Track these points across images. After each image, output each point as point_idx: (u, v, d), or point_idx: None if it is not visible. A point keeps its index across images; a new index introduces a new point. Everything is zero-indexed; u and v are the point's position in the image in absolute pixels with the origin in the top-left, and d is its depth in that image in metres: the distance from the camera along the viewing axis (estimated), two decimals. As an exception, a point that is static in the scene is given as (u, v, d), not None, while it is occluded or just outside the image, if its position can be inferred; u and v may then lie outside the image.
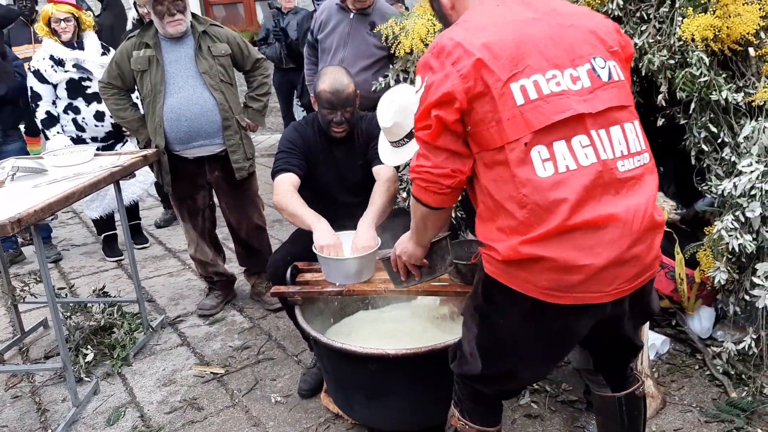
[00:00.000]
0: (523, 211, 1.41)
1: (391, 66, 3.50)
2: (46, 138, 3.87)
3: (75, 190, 2.46)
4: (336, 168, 2.65)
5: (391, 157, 2.31)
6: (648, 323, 2.34)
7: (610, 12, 2.78)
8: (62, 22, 3.78)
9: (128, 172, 2.89)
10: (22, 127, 6.35)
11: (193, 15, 3.07)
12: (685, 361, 2.60)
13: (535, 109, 1.38)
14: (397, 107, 2.15)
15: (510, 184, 1.41)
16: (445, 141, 1.45)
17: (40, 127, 3.87)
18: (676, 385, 2.45)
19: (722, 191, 2.49)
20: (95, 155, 3.03)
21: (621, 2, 2.76)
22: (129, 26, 4.40)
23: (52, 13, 3.77)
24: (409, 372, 2.00)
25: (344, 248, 2.29)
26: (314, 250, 2.26)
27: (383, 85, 3.46)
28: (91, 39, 3.93)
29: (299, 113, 6.42)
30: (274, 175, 2.54)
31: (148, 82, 3.00)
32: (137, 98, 3.40)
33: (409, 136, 2.16)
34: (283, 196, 2.44)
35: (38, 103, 3.82)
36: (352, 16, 3.58)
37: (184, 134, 3.03)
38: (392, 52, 3.34)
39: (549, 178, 1.39)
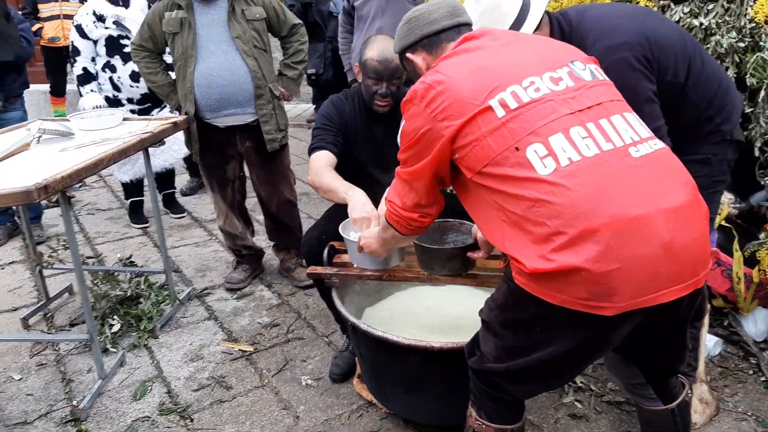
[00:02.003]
0: (539, 219, 1.29)
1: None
2: (80, 95, 3.81)
3: (104, 156, 2.36)
4: (375, 145, 2.51)
5: None
6: (706, 325, 2.21)
7: (676, -12, 2.59)
8: None
9: (158, 138, 2.78)
10: (46, 87, 6.32)
11: None
12: (738, 365, 2.46)
13: (517, 118, 1.35)
14: (484, 8, 1.81)
15: (516, 194, 1.33)
16: (421, 185, 1.53)
17: (76, 83, 3.79)
18: (730, 391, 2.32)
19: (790, 186, 2.34)
20: (124, 120, 2.92)
21: (689, -23, 2.57)
22: None
23: None
24: (452, 366, 1.89)
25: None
26: (340, 232, 2.14)
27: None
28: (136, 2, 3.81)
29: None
30: (309, 153, 2.42)
31: (180, 45, 2.87)
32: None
33: None
34: (316, 173, 2.30)
35: (76, 58, 3.75)
36: (393, -18, 3.41)
37: (214, 101, 2.90)
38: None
39: (552, 175, 1.30)
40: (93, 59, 3.78)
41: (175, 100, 3.02)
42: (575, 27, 1.88)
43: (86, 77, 3.76)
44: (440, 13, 1.62)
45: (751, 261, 2.49)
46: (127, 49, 3.71)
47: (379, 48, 2.31)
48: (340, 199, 2.22)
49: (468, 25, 1.65)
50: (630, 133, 1.40)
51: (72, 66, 3.81)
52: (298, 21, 3.10)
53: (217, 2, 2.87)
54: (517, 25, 1.80)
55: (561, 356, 1.39)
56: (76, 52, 3.75)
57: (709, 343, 2.46)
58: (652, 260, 1.27)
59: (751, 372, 2.41)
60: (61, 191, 2.19)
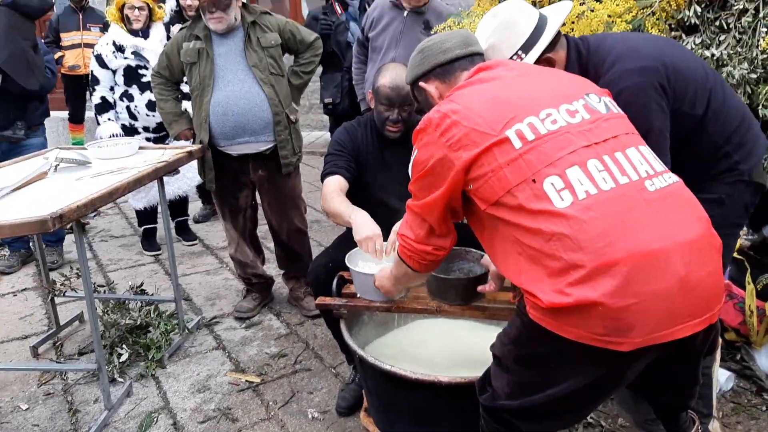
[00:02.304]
0: (555, 253, 1.28)
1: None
2: (98, 123, 3.89)
3: (119, 185, 2.39)
4: (387, 171, 2.52)
5: None
6: (718, 359, 2.17)
7: (686, 19, 2.60)
8: (136, 10, 3.80)
9: (173, 167, 2.82)
10: (65, 114, 6.44)
11: (244, 5, 2.97)
12: (751, 401, 2.41)
13: (534, 149, 1.35)
14: (498, 24, 1.77)
15: (532, 227, 1.31)
16: (434, 217, 1.50)
17: (94, 111, 3.88)
18: (742, 428, 2.26)
19: (805, 219, 2.31)
20: (140, 149, 2.97)
21: (699, 9, 2.58)
22: (166, 18, 4.37)
23: (128, 1, 3.78)
24: (461, 401, 1.86)
25: (376, 263, 2.17)
26: (346, 263, 2.14)
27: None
28: (157, 29, 3.94)
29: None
30: (322, 178, 2.44)
31: (197, 75, 2.92)
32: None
33: None
34: (325, 198, 2.33)
35: (95, 87, 3.85)
36: (405, 14, 3.46)
37: (229, 129, 2.94)
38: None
39: (570, 208, 1.29)
40: (111, 88, 3.88)
41: (175, 129, 3.05)
42: (593, 50, 1.85)
43: (104, 106, 3.85)
44: (453, 42, 1.64)
45: (763, 294, 2.45)
46: (144, 79, 3.80)
47: (392, 75, 2.35)
48: (345, 222, 2.24)
49: (481, 55, 1.67)
50: (645, 166, 1.40)
51: (91, 94, 3.90)
52: (314, 36, 3.11)
53: (234, 32, 2.92)
54: (528, 45, 1.77)
55: (576, 392, 1.36)
56: (96, 81, 3.85)
57: (722, 377, 2.42)
58: (668, 295, 1.25)
59: (764, 408, 2.35)
60: (75, 220, 2.22)
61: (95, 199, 2.25)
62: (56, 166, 2.66)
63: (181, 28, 3.06)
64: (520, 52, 1.77)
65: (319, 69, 3.66)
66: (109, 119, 3.85)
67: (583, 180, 1.32)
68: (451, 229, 1.57)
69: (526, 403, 1.42)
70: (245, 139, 2.97)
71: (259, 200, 3.29)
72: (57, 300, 3.15)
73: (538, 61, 1.78)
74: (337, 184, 2.37)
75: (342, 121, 3.97)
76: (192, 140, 3.10)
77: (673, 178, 1.43)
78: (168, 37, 3.97)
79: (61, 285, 3.03)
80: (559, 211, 1.29)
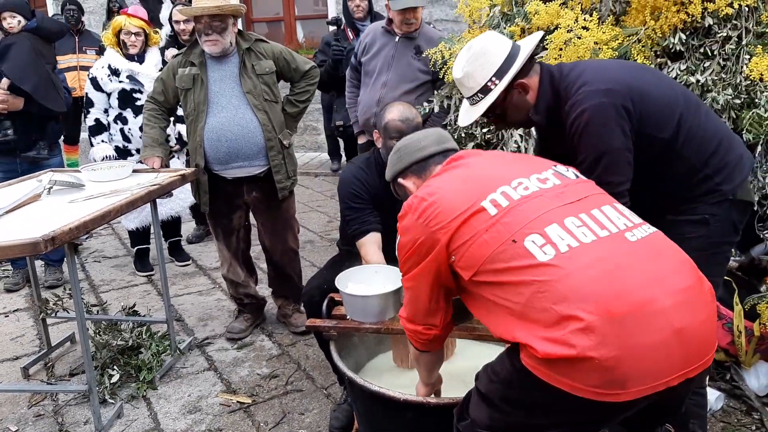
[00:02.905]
0: (544, 305, 1.30)
1: (435, 92, 3.43)
2: (92, 144, 3.94)
3: (111, 208, 2.41)
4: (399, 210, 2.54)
5: (462, 114, 1.98)
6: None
7: (671, 46, 2.66)
8: (133, 35, 3.86)
9: (166, 190, 2.84)
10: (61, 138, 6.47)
11: (240, 32, 3.02)
12: (741, 420, 2.42)
13: (510, 213, 1.41)
14: (472, 54, 1.85)
15: (518, 281, 1.34)
16: (423, 294, 1.57)
17: (87, 133, 3.94)
18: (733, 448, 2.28)
19: (790, 241, 2.34)
20: (133, 171, 2.99)
21: (683, 37, 2.64)
22: (162, 43, 4.43)
23: (125, 25, 3.84)
24: (449, 422, 1.86)
25: (367, 284, 2.20)
26: (336, 285, 2.16)
27: (427, 110, 3.39)
28: (152, 54, 3.99)
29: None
30: (354, 237, 2.46)
31: (192, 101, 2.96)
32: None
33: (484, 90, 1.85)
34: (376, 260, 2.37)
35: (90, 109, 3.91)
36: (397, 39, 3.52)
37: (223, 155, 2.97)
38: (441, 76, 3.26)
39: (554, 259, 1.32)
40: (106, 111, 3.93)
41: (147, 153, 3.04)
42: (565, 75, 1.91)
43: (98, 128, 3.90)
44: (428, 141, 1.76)
45: (751, 314, 2.47)
46: (138, 103, 3.85)
47: (399, 110, 2.41)
48: None
49: (454, 150, 1.77)
50: (623, 220, 1.45)
51: (85, 117, 3.94)
52: (310, 64, 3.14)
53: (229, 58, 2.96)
54: (501, 72, 1.83)
55: None
56: (90, 103, 3.90)
57: (711, 397, 2.43)
58: (663, 347, 1.27)
59: (753, 427, 2.37)
60: (67, 242, 2.23)
61: (88, 222, 2.27)
62: (50, 189, 2.68)
63: (176, 55, 3.10)
64: (494, 78, 1.83)
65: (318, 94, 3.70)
66: (102, 141, 3.89)
67: (563, 235, 1.36)
68: (441, 307, 1.60)
69: None
70: (239, 163, 3.00)
71: (252, 221, 3.32)
72: (49, 321, 3.15)
73: (511, 86, 1.85)
74: (375, 244, 2.41)
75: (353, 144, 4.01)
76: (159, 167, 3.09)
77: (651, 228, 1.47)
78: (163, 62, 4.03)
79: (53, 305, 3.03)
80: (544, 262, 1.32)
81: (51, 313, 3.06)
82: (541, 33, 1.97)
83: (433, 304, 1.59)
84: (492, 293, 1.40)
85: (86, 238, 4.98)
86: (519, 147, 2.97)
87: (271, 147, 3.01)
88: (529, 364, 1.33)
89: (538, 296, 1.31)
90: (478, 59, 1.84)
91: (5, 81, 3.58)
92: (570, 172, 1.59)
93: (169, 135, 3.99)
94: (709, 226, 1.89)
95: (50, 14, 7.43)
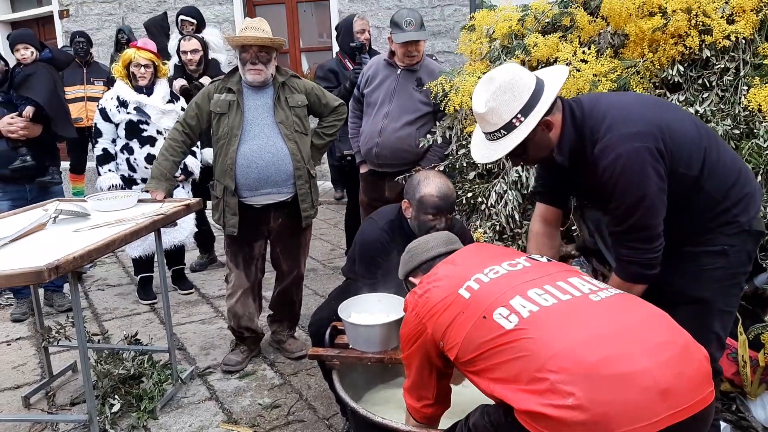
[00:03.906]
0: (518, 370, 1.38)
1: (437, 123, 3.47)
2: (99, 173, 4.00)
3: (116, 237, 2.43)
4: None
5: (482, 152, 1.93)
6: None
7: (670, 78, 2.70)
8: (142, 67, 3.93)
9: (170, 220, 2.86)
10: (66, 164, 6.55)
11: (276, 67, 3.11)
12: (748, 453, 2.39)
13: (479, 294, 1.56)
14: (497, 87, 1.80)
15: (492, 354, 1.45)
16: (414, 369, 1.75)
17: (95, 162, 4.00)
18: (740, 481, 2.24)
19: (792, 271, 2.34)
20: (138, 201, 3.02)
21: (681, 69, 2.69)
22: (170, 73, 4.51)
23: (134, 58, 3.92)
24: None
25: (370, 313, 2.20)
26: (339, 313, 2.17)
27: (430, 142, 3.42)
28: (161, 86, 4.06)
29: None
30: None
31: (226, 125, 3.04)
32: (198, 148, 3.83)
33: (508, 127, 1.81)
34: None
35: (98, 139, 3.97)
36: (399, 72, 3.58)
37: (253, 180, 3.04)
38: (441, 108, 3.30)
39: (518, 325, 1.43)
40: (113, 140, 3.99)
41: (152, 185, 3.07)
42: (587, 113, 1.87)
43: (105, 157, 3.96)
44: (436, 242, 1.92)
45: (755, 343, 2.46)
46: (145, 134, 3.94)
47: (436, 184, 2.38)
48: None
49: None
50: (588, 286, 1.55)
51: (94, 146, 4.01)
52: (339, 101, 3.28)
53: (265, 90, 3.07)
54: (527, 109, 1.79)
55: None
56: (99, 133, 3.96)
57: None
58: (643, 399, 1.29)
59: (762, 461, 2.34)
60: (71, 271, 2.24)
61: (92, 251, 2.29)
62: (55, 218, 2.70)
63: (212, 81, 3.19)
64: (519, 116, 1.79)
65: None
66: (109, 170, 3.95)
67: (525, 304, 1.48)
68: (432, 383, 1.76)
69: None
70: (267, 190, 3.07)
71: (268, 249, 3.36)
72: (51, 349, 3.14)
73: (537, 124, 1.81)
74: None
75: (356, 173, 4.01)
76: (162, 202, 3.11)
77: (618, 291, 1.58)
78: (171, 93, 4.12)
79: (55, 333, 3.03)
80: (510, 329, 1.44)
81: (53, 341, 3.05)
82: (566, 69, 1.93)
83: (424, 379, 1.75)
84: (475, 366, 1.51)
85: (90, 267, 4.99)
86: (520, 176, 2.99)
87: (300, 176, 3.09)
88: (520, 417, 1.39)
89: (513, 360, 1.41)
90: (505, 94, 1.79)
91: (29, 109, 3.75)
92: (543, 258, 1.74)
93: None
94: (728, 257, 1.89)
95: (59, 46, 7.57)
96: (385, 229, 2.51)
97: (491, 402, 1.55)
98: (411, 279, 1.92)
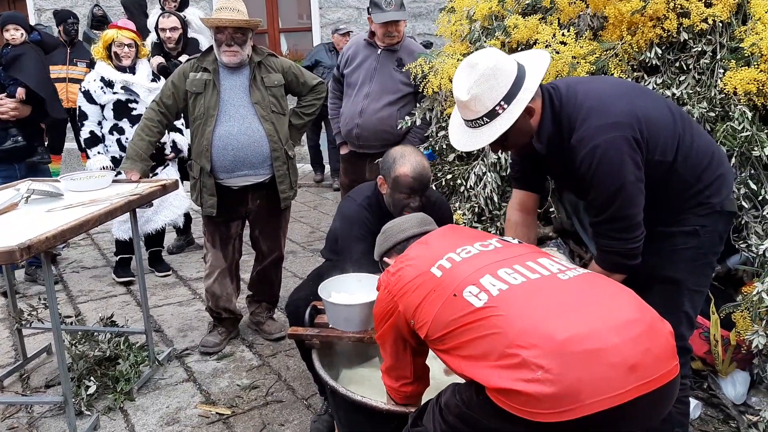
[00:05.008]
0: (487, 348, 1.40)
1: (417, 104, 3.46)
2: (88, 157, 3.94)
3: (90, 217, 2.38)
4: None
5: (464, 140, 1.90)
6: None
7: (647, 61, 2.72)
8: (126, 47, 3.88)
9: (146, 200, 2.82)
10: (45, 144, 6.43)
11: (253, 46, 3.06)
12: (718, 428, 2.45)
13: (451, 273, 1.57)
14: (479, 74, 1.77)
15: (463, 331, 1.46)
16: (388, 346, 1.76)
17: (83, 146, 3.95)
18: (710, 456, 2.30)
19: (763, 251, 2.39)
20: (113, 181, 2.97)
21: (659, 51, 2.70)
22: (148, 50, 4.42)
23: (117, 38, 3.86)
24: None
25: (350, 293, 2.21)
26: (319, 293, 2.17)
27: (408, 124, 3.41)
28: (143, 65, 4.02)
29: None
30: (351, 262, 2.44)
31: (202, 105, 2.99)
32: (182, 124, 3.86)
33: (491, 115, 1.79)
34: None
35: (84, 122, 3.91)
36: (379, 52, 3.55)
37: (229, 162, 3.00)
38: (420, 90, 3.29)
39: (487, 303, 1.44)
40: (99, 123, 3.92)
41: (128, 165, 3.02)
42: (565, 101, 1.87)
43: (93, 140, 3.90)
44: (410, 224, 1.94)
45: (726, 322, 2.51)
46: (135, 113, 3.89)
47: (412, 163, 2.35)
48: None
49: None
50: (557, 266, 1.57)
51: (80, 129, 3.92)
52: (317, 80, 3.24)
53: (241, 70, 3.02)
54: (510, 96, 1.78)
55: None
56: (84, 116, 3.89)
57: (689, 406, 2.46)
58: (609, 372, 1.31)
59: (731, 437, 2.40)
60: (44, 251, 2.20)
61: (65, 231, 2.25)
62: (27, 198, 2.65)
63: (188, 60, 3.14)
64: (502, 103, 1.78)
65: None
66: (98, 152, 3.89)
67: (495, 282, 1.49)
68: (408, 360, 1.76)
69: None
70: (244, 172, 3.04)
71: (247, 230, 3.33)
72: (26, 332, 3.10)
73: (521, 112, 1.79)
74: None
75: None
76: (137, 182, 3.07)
77: (586, 270, 1.61)
78: (153, 72, 4.07)
79: (28, 315, 2.98)
80: (480, 307, 1.45)
81: (26, 324, 3.01)
82: (548, 55, 1.91)
83: (399, 357, 1.76)
84: (445, 344, 1.52)
85: (63, 247, 4.91)
86: (499, 158, 3.00)
87: (277, 157, 3.06)
88: (491, 394, 1.39)
89: (482, 338, 1.41)
90: (488, 81, 1.76)
91: (21, 90, 3.75)
92: (515, 240, 1.76)
93: (164, 143, 3.99)
94: (700, 237, 1.92)
95: (32, 24, 7.36)
96: (363, 205, 2.51)
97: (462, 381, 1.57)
98: (386, 259, 1.93)
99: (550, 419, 1.30)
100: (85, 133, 3.90)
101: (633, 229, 1.82)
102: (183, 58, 4.41)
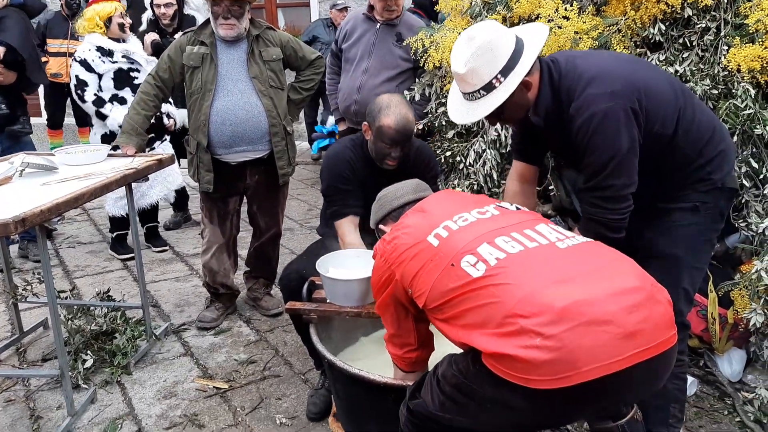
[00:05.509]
0: (485, 317, 1.39)
1: (417, 80, 3.42)
2: (103, 117, 3.82)
3: (85, 191, 2.36)
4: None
5: (461, 112, 1.91)
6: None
7: (651, 37, 2.68)
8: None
9: (141, 175, 2.79)
10: (42, 120, 6.36)
11: (251, 19, 3.00)
12: (714, 405, 2.47)
13: (448, 242, 1.55)
14: (477, 47, 1.76)
15: (460, 301, 1.45)
16: (389, 315, 1.75)
17: (93, 108, 3.82)
18: (705, 431, 2.32)
19: (763, 230, 2.38)
20: (108, 155, 2.94)
21: (663, 27, 2.66)
22: (143, 27, 4.36)
23: (116, 9, 3.84)
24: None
25: (348, 268, 2.19)
26: (317, 268, 2.16)
27: (408, 98, 3.37)
28: (134, 39, 4.00)
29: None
30: (333, 216, 2.47)
31: (199, 79, 2.94)
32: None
33: (487, 88, 1.79)
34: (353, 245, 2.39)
35: (85, 89, 3.82)
36: (378, 26, 3.50)
37: (227, 138, 2.97)
38: (421, 65, 3.25)
39: (485, 273, 1.43)
40: (97, 92, 3.85)
41: (123, 140, 2.98)
42: (564, 74, 1.85)
43: (99, 100, 3.83)
44: (405, 191, 1.92)
45: (724, 301, 2.52)
46: (136, 81, 3.83)
47: (396, 115, 2.33)
48: None
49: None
50: (555, 234, 1.55)
51: (82, 97, 3.82)
52: (316, 54, 3.20)
53: (239, 43, 2.97)
54: (507, 69, 1.77)
55: (505, 429, 1.50)
56: (84, 84, 3.80)
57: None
58: (610, 339, 1.31)
59: (726, 412, 2.41)
60: (39, 224, 2.18)
61: (60, 204, 2.22)
62: (22, 171, 2.62)
63: (184, 33, 3.08)
64: (499, 76, 1.77)
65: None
66: (111, 109, 3.80)
67: (492, 252, 1.48)
68: (411, 327, 1.74)
69: (454, 422, 1.53)
70: (242, 148, 3.01)
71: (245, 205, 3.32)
72: (23, 306, 3.09)
73: (516, 86, 1.78)
74: (353, 225, 2.43)
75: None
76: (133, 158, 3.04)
77: (585, 239, 1.59)
78: (152, 49, 4.07)
79: (22, 290, 2.97)
80: (477, 277, 1.44)
81: (21, 298, 2.99)
82: (546, 28, 1.89)
83: (402, 325, 1.74)
84: (443, 314, 1.51)
85: (58, 221, 4.89)
86: (499, 135, 2.97)
87: (275, 133, 3.02)
88: (487, 362, 1.39)
89: (481, 307, 1.40)
90: (485, 54, 1.76)
91: (1, 49, 3.65)
92: (512, 207, 1.72)
93: (162, 113, 3.95)
94: (700, 213, 1.91)
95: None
96: (348, 145, 2.54)
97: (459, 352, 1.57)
98: (381, 227, 1.93)
99: (547, 386, 1.30)
100: (90, 96, 3.80)
101: (619, 201, 1.80)
102: (178, 35, 4.36)
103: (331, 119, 5.85)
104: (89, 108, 3.85)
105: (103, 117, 3.84)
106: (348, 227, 2.42)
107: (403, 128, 2.33)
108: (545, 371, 1.29)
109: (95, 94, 3.82)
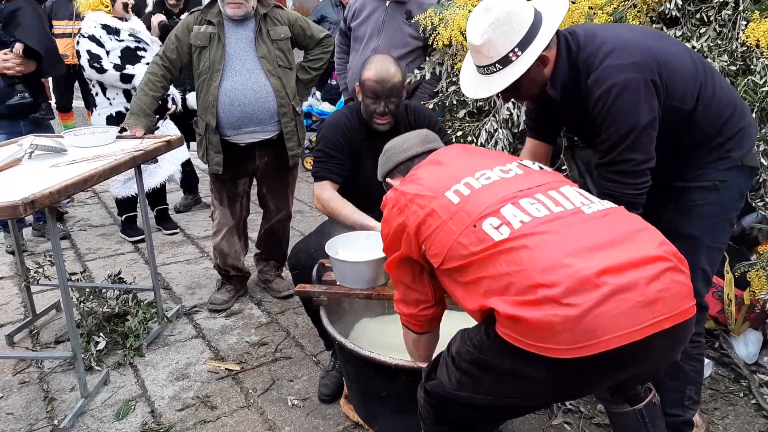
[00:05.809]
0: (507, 282, 1.34)
1: (427, 58, 3.36)
2: (128, 79, 3.73)
3: (94, 173, 2.35)
4: (375, 159, 2.51)
5: (474, 86, 1.86)
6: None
7: (667, 12, 2.61)
8: None
9: (150, 156, 2.78)
10: (53, 102, 6.35)
11: None
12: (729, 387, 2.44)
13: (470, 200, 1.48)
14: (494, 18, 1.72)
15: (481, 264, 1.40)
16: (404, 274, 1.66)
17: (116, 74, 3.72)
18: (720, 414, 2.29)
19: (782, 209, 2.33)
20: (117, 137, 2.92)
21: (680, 2, 2.59)
22: (149, 8, 4.32)
23: None
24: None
25: (357, 250, 2.17)
26: (326, 251, 2.14)
27: (418, 77, 3.32)
28: (135, 19, 3.98)
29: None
30: (314, 176, 2.49)
31: (207, 60, 2.91)
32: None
33: (504, 61, 1.75)
34: (332, 204, 2.41)
35: (100, 60, 3.74)
36: (387, 4, 3.43)
37: (236, 119, 2.95)
38: (430, 43, 3.19)
39: (509, 237, 1.38)
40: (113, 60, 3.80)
41: (131, 121, 2.95)
42: (582, 46, 1.81)
43: (119, 65, 3.74)
44: (412, 142, 1.84)
45: (740, 282, 2.48)
46: (144, 61, 3.79)
47: (377, 67, 2.34)
48: (361, 227, 2.31)
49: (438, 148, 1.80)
50: (581, 198, 1.50)
51: (102, 66, 3.73)
52: (325, 33, 3.17)
53: (246, 22, 2.93)
54: (525, 43, 1.73)
55: (532, 402, 1.47)
56: (98, 57, 3.72)
57: (701, 366, 2.44)
58: (630, 308, 1.28)
59: (741, 395, 2.39)
60: (48, 206, 2.18)
61: (69, 186, 2.21)
62: (31, 153, 2.61)
63: (191, 12, 3.04)
64: (516, 50, 1.73)
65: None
66: (134, 67, 3.75)
67: (516, 213, 1.42)
68: (427, 283, 1.66)
69: (473, 399, 1.50)
70: (251, 128, 2.98)
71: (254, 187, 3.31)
72: (35, 289, 3.10)
73: (534, 60, 1.74)
74: (331, 187, 2.45)
75: None
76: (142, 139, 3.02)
77: (611, 204, 1.52)
78: (148, 28, 4.00)
79: (34, 273, 2.98)
80: (499, 241, 1.38)
81: (32, 281, 3.01)
82: (566, 1, 1.83)
83: (416, 280, 1.66)
84: (460, 277, 1.47)
85: (68, 203, 4.90)
86: (511, 114, 2.93)
87: (284, 113, 2.99)
88: (503, 331, 1.35)
89: (503, 273, 1.35)
90: (503, 26, 1.71)
91: (19, 46, 3.65)
92: (535, 165, 1.64)
93: (169, 95, 3.94)
94: (719, 192, 1.87)
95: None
96: (345, 112, 2.57)
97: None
98: (389, 180, 1.86)
99: (566, 355, 1.27)
100: (108, 65, 3.71)
101: (636, 175, 1.76)
102: (185, 15, 4.32)
103: (311, 99, 5.84)
104: (110, 76, 3.73)
105: (128, 79, 3.74)
106: (324, 187, 2.46)
107: (381, 79, 2.33)
108: (564, 340, 1.26)
109: (111, 62, 3.74)
